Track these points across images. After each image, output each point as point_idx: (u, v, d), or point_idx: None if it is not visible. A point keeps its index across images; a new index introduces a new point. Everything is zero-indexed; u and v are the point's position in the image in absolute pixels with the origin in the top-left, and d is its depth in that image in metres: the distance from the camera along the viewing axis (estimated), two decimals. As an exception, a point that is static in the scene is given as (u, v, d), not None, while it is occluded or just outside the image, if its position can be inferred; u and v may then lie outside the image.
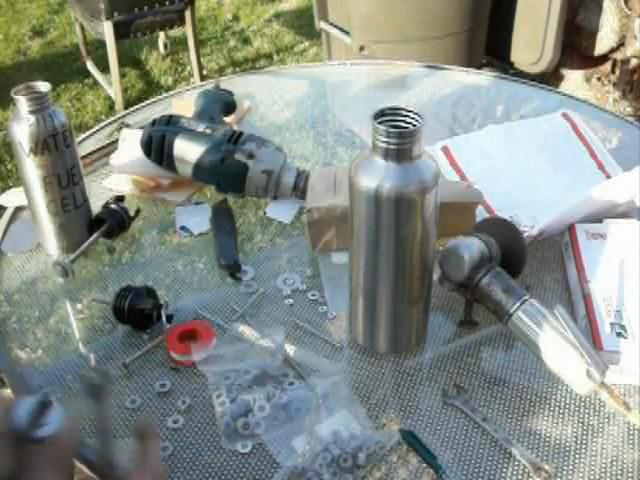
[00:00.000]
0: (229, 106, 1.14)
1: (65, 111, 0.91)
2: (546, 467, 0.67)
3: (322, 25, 2.58)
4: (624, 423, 0.72)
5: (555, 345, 0.72)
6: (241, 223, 1.01)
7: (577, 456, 0.69)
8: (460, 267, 0.77)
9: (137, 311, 0.82)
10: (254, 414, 0.71)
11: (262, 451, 0.70)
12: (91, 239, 0.94)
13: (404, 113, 0.69)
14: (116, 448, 0.56)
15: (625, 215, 0.93)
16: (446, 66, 1.46)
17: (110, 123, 1.24)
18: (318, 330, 0.83)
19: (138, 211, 1.00)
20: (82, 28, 3.02)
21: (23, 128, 0.87)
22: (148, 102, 1.32)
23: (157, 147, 1.02)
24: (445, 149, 1.07)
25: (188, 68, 3.24)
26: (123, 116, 1.27)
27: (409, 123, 0.68)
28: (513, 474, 0.67)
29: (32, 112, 0.87)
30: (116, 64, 2.68)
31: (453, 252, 0.78)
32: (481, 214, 0.94)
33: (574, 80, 2.55)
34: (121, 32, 2.62)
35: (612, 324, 0.77)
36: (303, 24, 3.65)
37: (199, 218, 1.01)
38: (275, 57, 3.45)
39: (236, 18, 3.84)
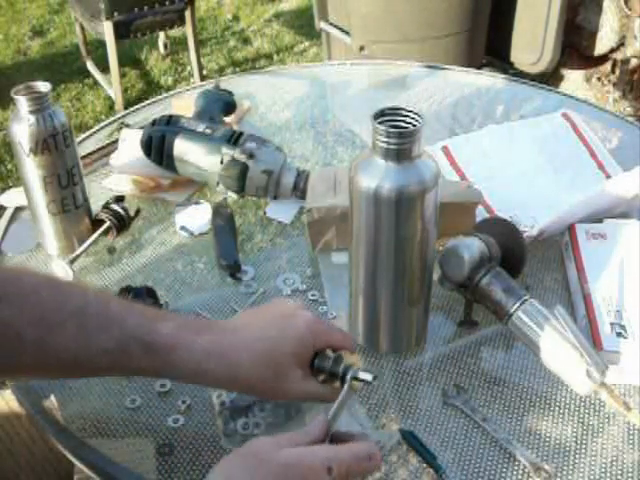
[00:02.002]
0: (229, 106, 1.14)
1: (65, 111, 0.91)
2: (546, 467, 0.67)
3: (322, 25, 2.58)
4: (624, 423, 0.72)
5: (555, 345, 0.72)
6: (241, 223, 1.01)
7: (577, 456, 0.69)
8: (460, 267, 0.77)
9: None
10: (254, 414, 0.71)
11: (262, 451, 0.69)
12: (91, 239, 0.94)
13: (404, 113, 0.69)
14: None
15: (625, 215, 0.93)
16: (446, 66, 1.46)
17: (110, 123, 1.24)
18: (318, 330, 0.83)
19: (138, 211, 1.00)
20: (82, 28, 3.02)
21: (23, 128, 0.87)
22: (148, 102, 1.32)
23: (157, 147, 1.02)
24: (445, 149, 1.07)
25: (188, 68, 3.24)
26: (123, 116, 1.27)
27: (409, 123, 0.68)
28: (513, 474, 0.67)
29: (32, 112, 0.87)
30: (116, 64, 2.68)
31: (453, 252, 0.78)
32: (481, 214, 0.94)
33: (574, 80, 2.55)
34: (121, 32, 2.62)
35: (612, 324, 0.77)
36: (303, 24, 3.65)
37: (199, 218, 1.01)
38: (275, 57, 3.45)
39: (236, 18, 3.85)
